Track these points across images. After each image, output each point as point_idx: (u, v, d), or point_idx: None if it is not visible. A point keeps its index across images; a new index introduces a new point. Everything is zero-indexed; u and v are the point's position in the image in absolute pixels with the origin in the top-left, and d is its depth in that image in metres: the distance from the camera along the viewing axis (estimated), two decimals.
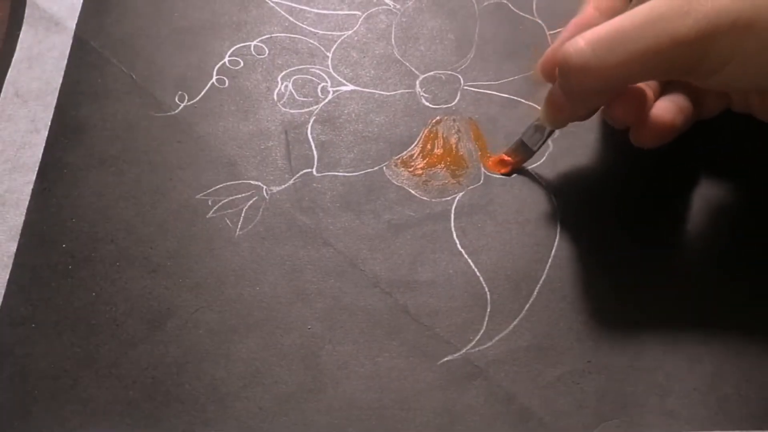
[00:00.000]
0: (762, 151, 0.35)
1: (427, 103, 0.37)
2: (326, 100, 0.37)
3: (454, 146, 0.36)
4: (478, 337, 0.31)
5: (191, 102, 0.37)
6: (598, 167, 0.35)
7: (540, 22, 0.39)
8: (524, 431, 0.29)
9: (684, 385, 0.30)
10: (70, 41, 0.39)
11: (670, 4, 0.26)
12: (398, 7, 0.40)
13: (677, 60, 0.27)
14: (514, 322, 0.31)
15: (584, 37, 0.28)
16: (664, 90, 0.32)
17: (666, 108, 0.31)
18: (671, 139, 0.31)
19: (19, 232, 0.34)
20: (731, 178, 0.34)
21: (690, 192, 0.34)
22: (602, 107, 0.32)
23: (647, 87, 0.31)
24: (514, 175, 0.35)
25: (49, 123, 0.36)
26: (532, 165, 0.35)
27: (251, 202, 0.34)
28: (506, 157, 0.35)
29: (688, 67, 0.28)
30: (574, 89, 0.29)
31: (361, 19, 0.39)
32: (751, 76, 0.28)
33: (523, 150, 0.34)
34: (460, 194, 0.34)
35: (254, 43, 0.39)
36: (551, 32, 0.38)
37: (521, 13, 0.39)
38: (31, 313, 0.32)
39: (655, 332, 0.31)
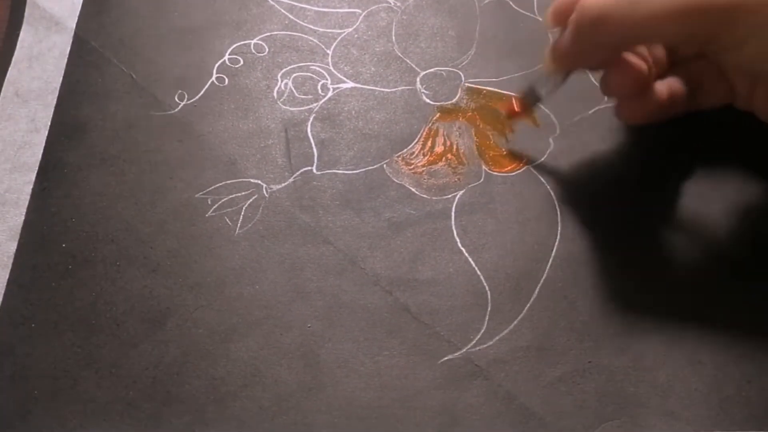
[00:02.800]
0: (763, 150, 0.34)
1: (427, 100, 0.37)
2: (326, 98, 0.37)
3: (454, 144, 0.35)
4: (478, 336, 0.31)
5: (191, 101, 0.37)
6: (599, 167, 0.35)
7: (540, 19, 0.39)
8: (524, 431, 0.29)
9: (685, 386, 0.29)
10: (71, 41, 0.39)
11: None
12: (398, 4, 0.40)
13: (701, 26, 0.27)
14: (515, 322, 0.31)
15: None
16: (664, 75, 0.32)
17: (658, 87, 0.31)
18: (656, 121, 0.31)
19: (19, 231, 0.34)
20: (733, 178, 0.34)
21: (691, 192, 0.34)
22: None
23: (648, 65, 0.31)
24: (515, 173, 0.34)
25: (49, 122, 0.36)
26: (533, 163, 0.35)
27: (251, 200, 0.34)
28: (516, 104, 0.35)
29: (709, 35, 0.27)
30: (586, 40, 0.29)
31: (361, 17, 0.39)
32: (765, 60, 0.27)
33: (532, 97, 0.34)
34: (461, 192, 0.34)
35: (254, 41, 0.39)
36: (552, 30, 0.38)
37: (522, 11, 0.39)
38: (31, 313, 0.32)
39: (656, 332, 0.30)
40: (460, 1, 0.39)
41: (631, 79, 0.30)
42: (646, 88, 0.31)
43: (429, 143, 0.36)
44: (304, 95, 0.37)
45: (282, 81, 0.37)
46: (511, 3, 0.39)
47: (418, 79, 0.37)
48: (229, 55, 0.38)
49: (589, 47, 0.29)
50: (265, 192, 0.34)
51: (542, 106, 0.35)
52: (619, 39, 0.28)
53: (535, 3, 0.39)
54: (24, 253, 0.33)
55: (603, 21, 0.27)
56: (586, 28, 0.28)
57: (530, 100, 0.34)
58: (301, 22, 0.39)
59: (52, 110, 0.37)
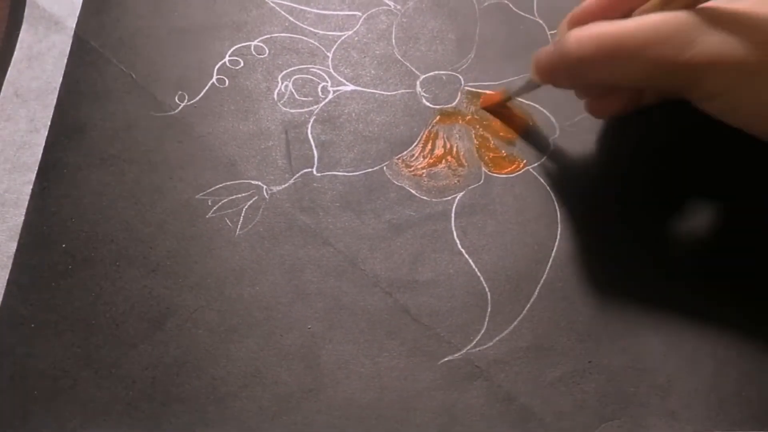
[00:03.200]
0: (763, 151, 0.35)
1: (427, 103, 0.37)
2: (326, 100, 0.37)
3: (454, 146, 0.36)
4: (478, 337, 0.31)
5: (191, 102, 0.37)
6: (599, 167, 0.35)
7: (541, 22, 0.39)
8: (524, 431, 0.29)
9: (685, 386, 0.30)
10: (70, 41, 0.39)
11: (677, 31, 0.26)
12: (399, 7, 0.40)
13: (672, 80, 0.28)
14: (515, 323, 0.31)
15: (590, 32, 0.28)
16: None
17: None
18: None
19: (19, 232, 0.34)
20: (734, 177, 0.34)
21: (691, 191, 0.34)
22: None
23: None
24: (515, 174, 0.35)
25: (49, 123, 0.36)
26: (532, 165, 0.35)
27: (251, 201, 0.34)
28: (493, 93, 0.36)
29: (680, 88, 0.28)
30: (563, 73, 0.30)
31: (361, 20, 0.39)
32: (738, 115, 0.28)
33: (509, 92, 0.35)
34: (461, 194, 0.34)
35: (254, 42, 0.39)
36: (552, 32, 0.38)
37: (522, 13, 0.39)
38: (31, 313, 0.32)
39: (656, 333, 0.31)
40: (460, 3, 0.40)
41: (612, 110, 0.32)
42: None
43: (429, 146, 0.36)
44: (304, 97, 0.37)
45: (282, 83, 0.37)
46: (510, 5, 0.39)
47: (418, 83, 0.37)
48: (230, 56, 0.38)
49: (571, 82, 0.31)
50: (265, 193, 0.34)
51: (542, 108, 0.36)
52: (598, 80, 0.29)
53: (535, 5, 0.39)
54: (24, 254, 0.33)
55: (582, 63, 0.28)
56: (569, 70, 0.29)
57: (506, 96, 0.35)
58: (302, 25, 0.39)
59: (52, 110, 0.37)
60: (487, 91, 0.37)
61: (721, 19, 0.26)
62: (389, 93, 0.37)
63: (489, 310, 0.31)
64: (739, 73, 0.26)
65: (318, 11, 0.40)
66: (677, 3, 0.28)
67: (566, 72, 0.30)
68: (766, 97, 0.27)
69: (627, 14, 0.30)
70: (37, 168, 0.35)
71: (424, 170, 0.35)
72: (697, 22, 0.26)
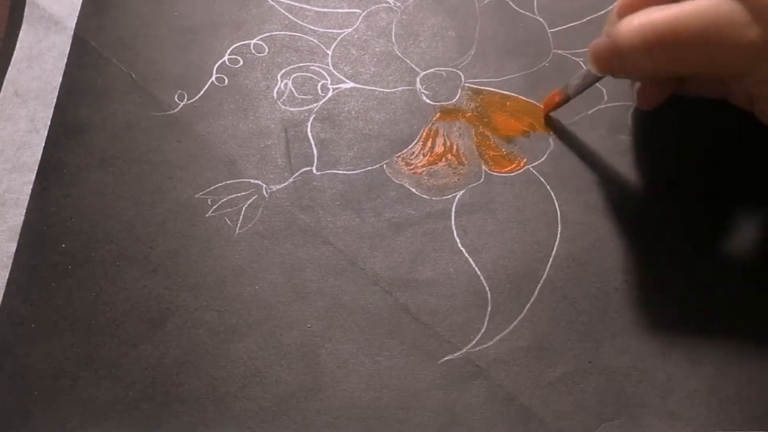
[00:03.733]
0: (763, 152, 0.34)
1: (427, 100, 0.37)
2: (326, 98, 0.37)
3: (454, 144, 0.35)
4: (478, 336, 0.31)
5: (191, 101, 0.37)
6: (599, 167, 0.35)
7: (541, 19, 0.39)
8: (524, 431, 0.29)
9: (685, 387, 0.29)
10: (70, 41, 0.39)
11: (735, 11, 0.25)
12: (398, 4, 0.40)
13: (733, 64, 0.27)
14: (515, 322, 0.31)
15: (640, 21, 0.27)
16: None
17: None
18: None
19: (19, 232, 0.34)
20: (730, 176, 0.34)
21: (691, 191, 0.34)
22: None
23: None
24: (515, 173, 0.34)
25: (49, 122, 0.36)
26: (533, 164, 0.35)
27: (251, 200, 0.34)
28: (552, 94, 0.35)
29: (736, 75, 0.27)
30: (621, 66, 0.29)
31: (361, 17, 0.39)
32: None
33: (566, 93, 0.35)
34: (461, 192, 0.34)
35: (254, 41, 0.39)
36: (552, 30, 0.38)
37: (522, 11, 0.39)
38: (31, 313, 0.32)
39: (656, 333, 0.30)
40: (460, 0, 0.39)
41: (662, 99, 0.32)
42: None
43: (429, 143, 0.36)
44: (304, 95, 0.37)
45: (282, 81, 0.37)
46: (511, 2, 0.39)
47: (418, 80, 0.37)
48: (229, 55, 0.38)
49: (625, 71, 0.30)
50: (265, 192, 0.34)
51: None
52: (650, 73, 0.29)
53: (535, 2, 0.39)
54: (23, 254, 0.33)
55: (633, 55, 0.27)
56: (621, 60, 0.28)
57: (565, 96, 0.34)
58: (301, 23, 0.39)
59: (52, 110, 0.37)
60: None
61: None
62: (389, 90, 0.37)
63: (489, 309, 0.31)
64: None
65: (317, 9, 0.40)
66: None
67: (621, 63, 0.29)
68: None
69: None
70: (36, 168, 0.35)
71: (424, 168, 0.35)
72: (753, 1, 0.25)
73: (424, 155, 0.35)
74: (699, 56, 0.26)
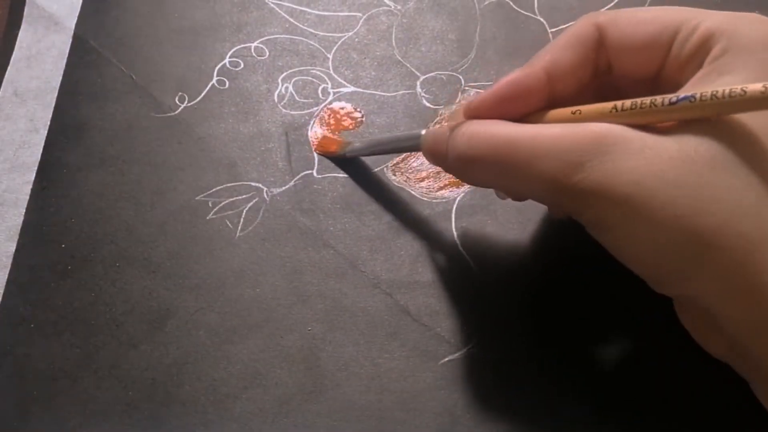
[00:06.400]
0: None
1: (427, 104, 0.37)
2: (327, 102, 0.37)
3: None
4: (479, 337, 0.31)
5: (191, 103, 0.37)
6: None
7: (541, 20, 0.39)
8: None
9: (684, 386, 0.29)
10: (70, 40, 0.39)
11: (572, 149, 0.23)
12: (399, 8, 0.40)
13: (560, 200, 0.25)
14: (515, 322, 0.31)
15: (484, 131, 0.26)
16: None
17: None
18: None
19: (18, 232, 0.33)
20: None
21: None
22: None
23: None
24: None
25: (48, 122, 0.36)
26: None
27: (251, 203, 0.34)
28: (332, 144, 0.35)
29: (570, 211, 0.25)
30: (457, 171, 0.28)
31: (361, 21, 0.39)
32: (622, 254, 0.25)
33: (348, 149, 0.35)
34: (461, 195, 0.34)
35: (255, 44, 0.39)
36: (552, 30, 0.38)
37: (522, 12, 0.39)
38: (31, 313, 0.32)
39: (656, 332, 0.31)
40: (460, 3, 0.40)
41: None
42: None
43: None
44: (304, 99, 0.37)
45: (282, 85, 0.37)
46: (511, 3, 0.39)
47: (418, 83, 0.37)
48: (230, 57, 0.38)
49: (456, 173, 0.29)
50: (265, 195, 0.34)
51: None
52: (483, 183, 0.28)
53: (536, 3, 0.39)
54: (23, 254, 0.33)
55: (471, 163, 0.26)
56: (455, 159, 0.27)
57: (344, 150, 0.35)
58: (302, 26, 0.39)
59: (51, 110, 0.37)
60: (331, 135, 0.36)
61: (625, 142, 0.23)
62: (389, 94, 0.37)
63: (489, 310, 0.31)
64: (627, 209, 0.23)
65: (318, 12, 0.40)
66: (590, 113, 0.25)
67: (454, 167, 0.27)
68: (646, 238, 0.23)
69: (527, 114, 0.27)
70: (36, 168, 0.35)
71: (425, 171, 0.35)
72: (596, 145, 0.23)
73: (424, 158, 0.35)
74: (528, 183, 0.25)
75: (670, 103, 0.23)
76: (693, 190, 0.22)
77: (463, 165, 0.27)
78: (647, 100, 0.23)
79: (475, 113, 0.27)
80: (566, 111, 0.25)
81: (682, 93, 0.23)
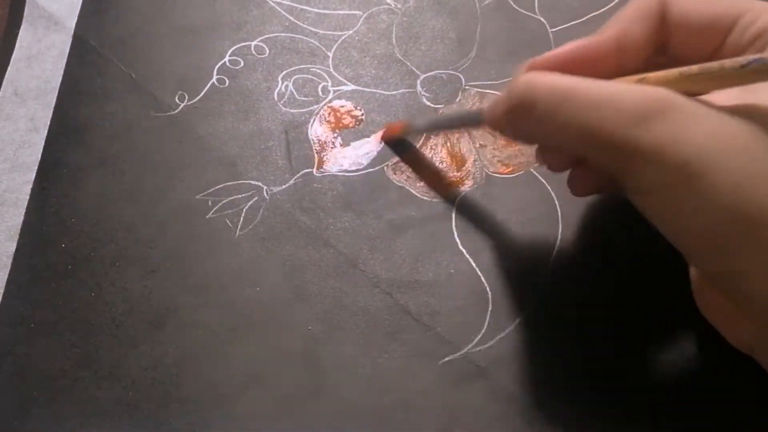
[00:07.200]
0: None
1: (428, 103, 0.37)
2: (327, 100, 0.37)
3: (455, 146, 0.35)
4: (479, 336, 0.31)
5: (191, 102, 0.37)
6: None
7: (542, 19, 0.39)
8: None
9: (686, 386, 0.29)
10: (70, 40, 0.39)
11: (630, 105, 0.23)
12: (399, 6, 0.40)
13: (608, 157, 0.24)
14: (516, 322, 0.31)
15: (543, 78, 0.24)
16: None
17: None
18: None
19: (18, 231, 0.34)
20: None
21: None
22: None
23: None
24: (516, 174, 0.34)
25: (49, 122, 0.36)
26: (533, 165, 0.35)
27: (251, 202, 0.34)
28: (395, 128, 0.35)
29: (614, 171, 0.24)
30: (511, 121, 0.27)
31: (361, 19, 0.39)
32: (664, 225, 0.24)
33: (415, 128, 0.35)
34: (462, 194, 0.34)
35: (255, 42, 0.39)
36: (553, 29, 0.38)
37: (523, 11, 0.39)
38: (31, 313, 0.32)
39: (657, 331, 0.30)
40: (460, 2, 0.39)
41: (585, 187, 0.29)
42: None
43: (429, 145, 0.36)
44: (304, 97, 0.37)
45: (282, 83, 0.37)
46: (511, 2, 0.39)
47: (418, 82, 0.37)
48: (230, 56, 0.38)
49: (509, 124, 0.27)
50: (265, 194, 0.34)
51: None
52: (535, 132, 0.26)
53: (536, 2, 0.39)
54: (23, 253, 0.33)
55: (524, 107, 0.25)
56: (511, 105, 0.26)
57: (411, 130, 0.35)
58: (302, 24, 0.39)
59: (52, 110, 0.37)
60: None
61: (690, 107, 0.22)
62: (390, 93, 0.37)
63: (490, 309, 0.31)
64: (685, 173, 0.22)
65: (318, 11, 0.40)
66: (656, 79, 0.24)
67: (509, 119, 0.26)
68: (698, 206, 0.22)
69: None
70: (36, 168, 0.35)
71: (425, 170, 0.35)
72: (659, 105, 0.22)
73: (424, 157, 0.35)
74: (578, 133, 0.24)
75: (741, 66, 0.22)
76: (755, 162, 0.21)
77: (519, 112, 0.25)
78: (716, 64, 0.22)
79: (539, 68, 0.26)
80: (632, 78, 0.25)
81: (751, 57, 0.22)
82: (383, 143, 0.36)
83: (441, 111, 0.36)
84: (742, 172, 0.21)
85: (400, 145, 0.36)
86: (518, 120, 0.26)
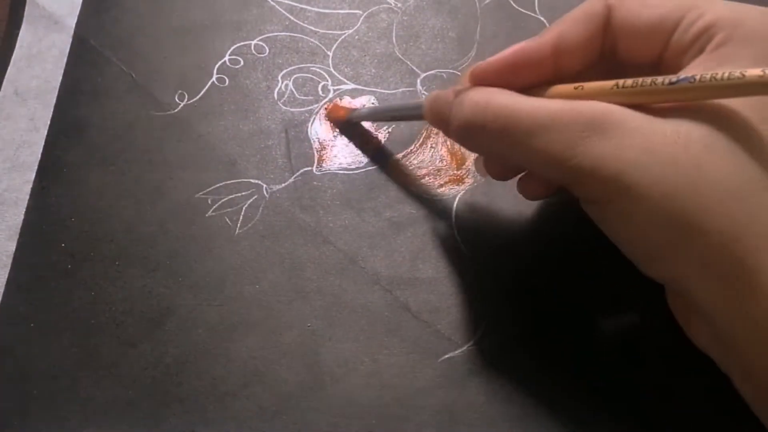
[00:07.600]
0: None
1: None
2: (327, 99, 0.37)
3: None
4: (479, 334, 0.31)
5: (191, 101, 0.37)
6: None
7: (542, 19, 0.39)
8: (525, 430, 0.29)
9: (687, 388, 0.29)
10: (70, 40, 0.39)
11: (570, 125, 0.24)
12: (399, 5, 0.40)
13: (557, 174, 0.25)
14: (515, 320, 0.31)
15: (487, 100, 0.26)
16: None
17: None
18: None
19: (18, 231, 0.34)
20: None
21: None
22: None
23: None
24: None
25: (49, 122, 0.36)
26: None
27: (251, 200, 0.34)
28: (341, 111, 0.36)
29: (566, 185, 0.26)
30: (458, 137, 0.28)
31: (362, 18, 0.39)
32: (611, 233, 0.25)
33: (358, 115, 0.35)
34: (462, 192, 0.34)
35: (255, 41, 0.39)
36: None
37: (523, 10, 0.39)
38: (30, 312, 0.32)
39: (659, 334, 0.30)
40: (460, 1, 0.39)
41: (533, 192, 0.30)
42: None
43: (429, 143, 0.36)
44: (304, 96, 0.37)
45: (282, 82, 0.37)
46: (512, 2, 0.39)
47: (418, 81, 0.37)
48: (230, 55, 0.38)
49: (458, 139, 0.28)
50: (265, 192, 0.34)
51: None
52: (484, 151, 0.28)
53: (536, 2, 0.39)
54: (23, 253, 0.33)
55: (472, 130, 0.26)
56: (458, 125, 0.27)
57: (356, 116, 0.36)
58: (302, 23, 0.39)
59: (52, 109, 0.37)
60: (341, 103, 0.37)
61: (622, 121, 0.23)
62: (390, 92, 0.37)
63: (489, 307, 0.31)
64: (619, 186, 0.23)
65: (318, 10, 0.40)
66: (592, 90, 0.25)
67: (456, 133, 0.27)
68: (635, 216, 0.23)
69: (531, 85, 0.26)
70: (36, 167, 0.35)
71: (425, 168, 0.35)
72: (596, 123, 0.23)
73: (424, 155, 0.35)
74: (526, 156, 0.25)
75: (670, 83, 0.23)
76: (684, 170, 0.22)
77: (466, 132, 0.27)
78: (648, 79, 0.23)
79: (481, 77, 0.27)
80: (569, 86, 0.25)
81: (682, 74, 0.23)
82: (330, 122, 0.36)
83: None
84: (670, 183, 0.22)
85: (346, 129, 0.36)
86: (469, 138, 0.27)
